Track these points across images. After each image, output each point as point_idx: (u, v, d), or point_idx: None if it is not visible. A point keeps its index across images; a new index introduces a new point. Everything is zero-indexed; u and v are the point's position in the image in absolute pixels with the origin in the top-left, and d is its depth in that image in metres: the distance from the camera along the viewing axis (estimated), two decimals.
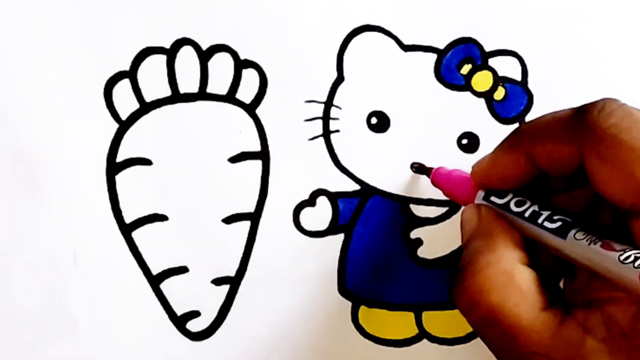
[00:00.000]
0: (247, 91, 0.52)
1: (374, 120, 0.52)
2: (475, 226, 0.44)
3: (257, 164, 0.52)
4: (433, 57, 0.52)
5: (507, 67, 0.52)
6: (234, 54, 0.51)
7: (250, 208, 0.52)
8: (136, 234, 0.52)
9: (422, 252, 0.53)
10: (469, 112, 0.52)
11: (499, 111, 0.53)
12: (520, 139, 0.42)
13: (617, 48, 0.53)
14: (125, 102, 0.51)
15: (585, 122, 0.38)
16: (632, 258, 0.37)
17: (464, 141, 0.53)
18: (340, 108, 0.52)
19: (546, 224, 0.41)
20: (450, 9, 0.52)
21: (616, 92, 0.53)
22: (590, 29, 0.53)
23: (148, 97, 0.51)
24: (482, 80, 0.52)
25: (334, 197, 0.53)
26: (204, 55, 0.51)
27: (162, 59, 0.51)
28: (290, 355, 0.53)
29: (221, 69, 0.51)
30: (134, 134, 0.51)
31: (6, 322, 0.51)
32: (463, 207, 0.46)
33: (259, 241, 0.52)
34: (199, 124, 0.52)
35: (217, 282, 0.52)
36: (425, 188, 0.53)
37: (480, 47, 0.52)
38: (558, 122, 0.40)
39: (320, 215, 0.53)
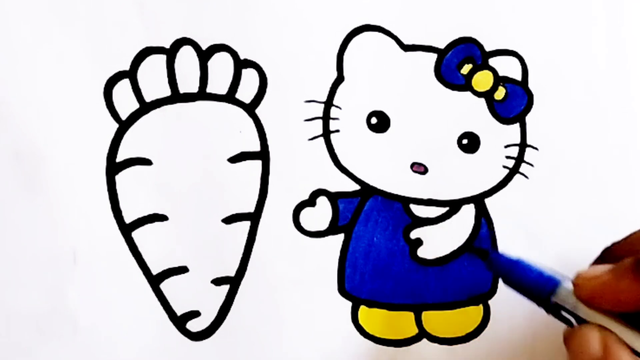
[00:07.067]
0: (247, 91, 0.52)
1: (374, 120, 0.52)
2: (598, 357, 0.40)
3: (257, 164, 0.52)
4: (433, 57, 0.52)
5: (507, 67, 0.52)
6: (233, 54, 0.51)
7: (250, 208, 0.52)
8: (136, 234, 0.52)
9: (422, 252, 0.53)
10: (469, 112, 0.52)
11: (499, 111, 0.53)
12: None
13: (616, 48, 0.53)
14: (125, 102, 0.51)
15: None
16: None
17: (464, 141, 0.53)
18: (340, 108, 0.52)
19: None
20: (450, 9, 0.52)
21: (615, 92, 0.53)
22: (590, 29, 0.53)
23: (148, 97, 0.51)
24: (482, 80, 0.52)
25: (334, 197, 0.53)
26: (204, 55, 0.51)
27: (162, 58, 0.51)
28: (290, 356, 0.53)
29: (221, 69, 0.51)
30: (134, 134, 0.51)
31: (6, 322, 0.51)
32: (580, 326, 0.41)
33: (259, 241, 0.52)
34: (199, 124, 0.52)
35: (217, 282, 0.52)
36: (425, 188, 0.53)
37: (480, 47, 0.52)
38: None
39: (320, 215, 0.53)
